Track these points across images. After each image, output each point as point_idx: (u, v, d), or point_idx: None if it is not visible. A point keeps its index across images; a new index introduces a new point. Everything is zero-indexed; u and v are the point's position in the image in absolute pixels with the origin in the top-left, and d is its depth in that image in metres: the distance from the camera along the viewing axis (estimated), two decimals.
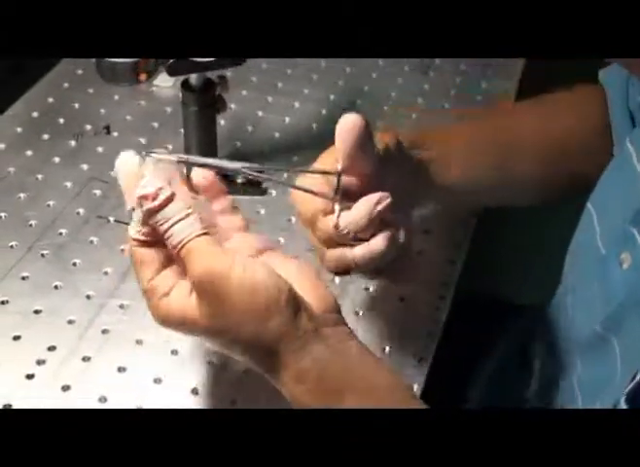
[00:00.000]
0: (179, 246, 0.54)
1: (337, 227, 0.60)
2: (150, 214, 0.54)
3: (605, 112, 0.74)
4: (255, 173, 0.60)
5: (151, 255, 0.55)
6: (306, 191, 0.60)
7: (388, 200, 0.59)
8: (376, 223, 0.60)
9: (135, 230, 0.55)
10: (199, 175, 0.59)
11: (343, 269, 0.62)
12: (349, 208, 0.60)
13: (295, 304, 0.53)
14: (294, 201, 0.62)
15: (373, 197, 0.59)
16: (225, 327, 0.53)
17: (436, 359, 0.71)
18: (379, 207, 0.59)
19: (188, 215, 0.54)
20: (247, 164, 0.60)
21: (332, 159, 0.61)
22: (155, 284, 0.55)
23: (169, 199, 0.54)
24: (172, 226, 0.54)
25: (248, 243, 0.59)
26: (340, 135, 0.59)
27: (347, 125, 0.58)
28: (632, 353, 0.56)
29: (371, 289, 0.77)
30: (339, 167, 0.60)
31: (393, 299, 0.76)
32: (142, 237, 0.55)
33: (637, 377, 0.52)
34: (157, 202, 0.53)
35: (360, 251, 0.60)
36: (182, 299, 0.54)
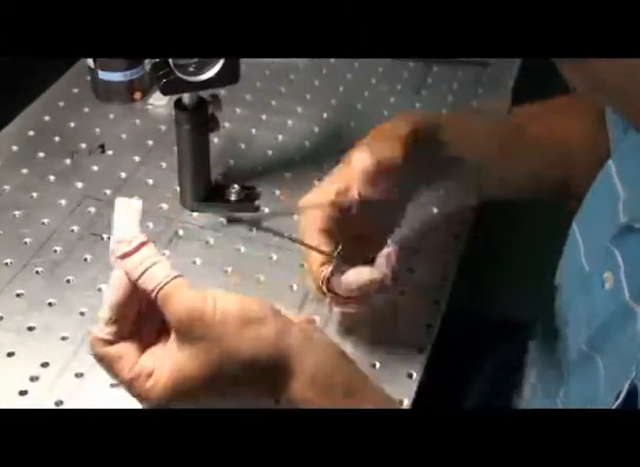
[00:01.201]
0: (156, 290, 0.53)
1: (326, 284, 0.67)
2: (124, 257, 0.54)
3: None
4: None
5: (124, 347, 0.55)
6: (312, 248, 0.67)
7: (379, 278, 0.66)
8: (363, 296, 0.68)
9: (104, 330, 0.55)
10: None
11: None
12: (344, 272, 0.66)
13: (278, 312, 0.55)
14: (300, 221, 0.69)
15: (366, 272, 0.66)
16: (221, 358, 0.53)
17: (426, 375, 0.72)
18: (371, 285, 0.66)
19: (160, 260, 0.54)
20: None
21: (332, 187, 0.68)
22: (136, 371, 0.54)
23: (143, 244, 0.54)
24: (146, 270, 0.54)
25: None
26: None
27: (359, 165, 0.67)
28: (615, 373, 0.56)
29: None
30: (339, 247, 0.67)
31: (384, 315, 0.77)
32: (111, 337, 0.54)
33: (620, 398, 0.53)
34: (132, 247, 0.54)
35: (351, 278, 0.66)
36: (169, 363, 0.53)
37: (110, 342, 0.54)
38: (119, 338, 0.55)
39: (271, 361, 0.54)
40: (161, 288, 0.53)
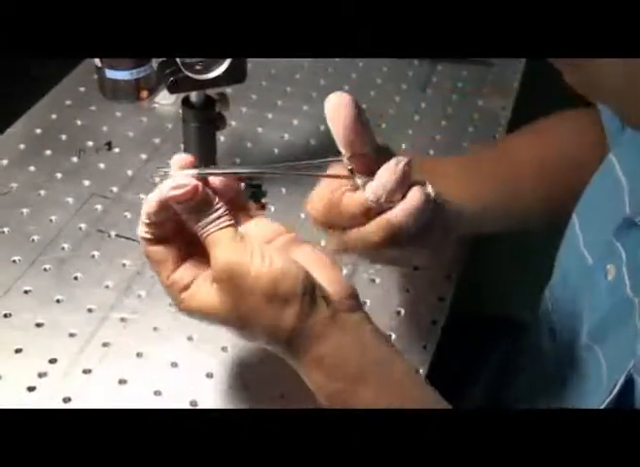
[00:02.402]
0: (204, 236, 0.56)
1: (368, 198, 0.58)
2: (180, 203, 0.55)
3: (601, 129, 0.75)
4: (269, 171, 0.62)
5: (164, 253, 0.57)
6: (327, 176, 0.60)
7: (407, 159, 0.57)
8: (403, 184, 0.58)
9: (142, 229, 0.57)
10: (217, 181, 0.59)
11: (388, 239, 0.59)
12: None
13: (311, 290, 0.55)
14: (308, 200, 0.61)
15: (391, 161, 0.57)
16: (245, 316, 0.55)
17: (430, 372, 0.72)
18: (401, 166, 0.57)
19: (216, 209, 0.56)
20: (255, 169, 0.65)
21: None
22: (172, 280, 0.57)
23: (198, 191, 0.55)
24: (201, 217, 0.56)
25: (263, 229, 0.60)
26: (332, 116, 0.58)
27: (336, 103, 0.58)
28: (614, 365, 0.56)
29: (368, 303, 0.78)
30: (343, 151, 0.59)
31: (389, 312, 0.78)
32: (149, 236, 0.57)
33: (616, 389, 0.53)
34: (186, 190, 0.55)
35: (400, 211, 0.58)
36: (202, 291, 0.56)
37: (151, 242, 0.57)
38: (157, 240, 0.57)
39: (286, 339, 0.55)
40: (208, 235, 0.55)
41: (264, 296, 0.54)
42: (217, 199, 0.56)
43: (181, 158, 0.56)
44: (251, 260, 0.54)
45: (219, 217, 0.56)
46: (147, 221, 0.57)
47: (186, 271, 0.57)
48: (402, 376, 0.57)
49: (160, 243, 0.57)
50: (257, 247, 0.55)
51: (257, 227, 0.60)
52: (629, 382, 0.54)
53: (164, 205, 0.56)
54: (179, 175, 0.56)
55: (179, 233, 0.58)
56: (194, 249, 0.58)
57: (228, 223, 0.56)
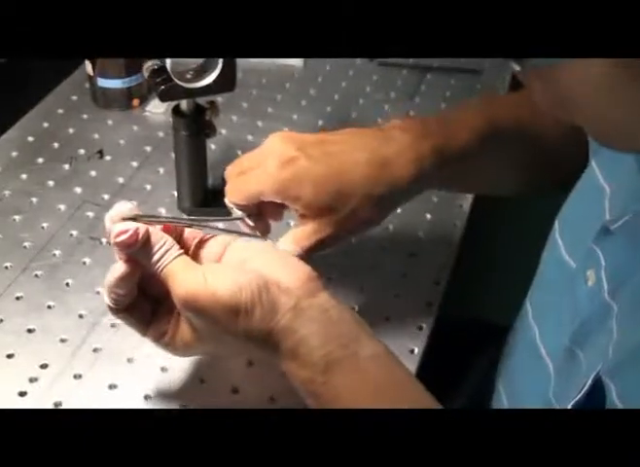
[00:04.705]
0: (159, 272, 0.59)
1: None
2: (127, 247, 0.59)
3: None
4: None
5: (132, 318, 0.63)
6: (238, 233, 0.68)
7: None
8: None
9: (107, 301, 0.62)
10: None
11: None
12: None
13: (267, 291, 0.58)
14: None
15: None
16: (222, 335, 0.59)
17: (417, 377, 0.73)
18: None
19: (163, 244, 0.60)
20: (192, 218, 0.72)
21: None
22: (150, 335, 0.63)
23: (139, 232, 0.59)
24: (152, 255, 0.59)
25: (212, 247, 0.64)
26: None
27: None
28: (590, 368, 0.57)
29: (356, 308, 0.78)
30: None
31: (378, 317, 0.78)
32: (114, 305, 0.62)
33: (583, 391, 0.54)
34: (129, 234, 0.59)
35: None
36: (179, 330, 0.61)
37: (118, 311, 0.62)
38: (124, 308, 0.62)
39: (262, 343, 0.58)
40: (164, 267, 0.59)
41: (230, 312, 0.57)
42: (161, 234, 0.60)
43: (119, 208, 0.60)
44: (205, 283, 0.57)
45: (167, 250, 0.59)
46: (111, 295, 0.61)
47: (159, 322, 0.62)
48: (369, 358, 0.59)
49: (127, 310, 0.62)
50: (208, 269, 0.59)
51: (206, 248, 0.64)
52: (598, 384, 0.54)
53: (123, 277, 0.60)
54: (119, 225, 0.60)
55: (142, 294, 0.62)
56: (161, 296, 0.62)
57: (176, 253, 0.60)
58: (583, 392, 0.54)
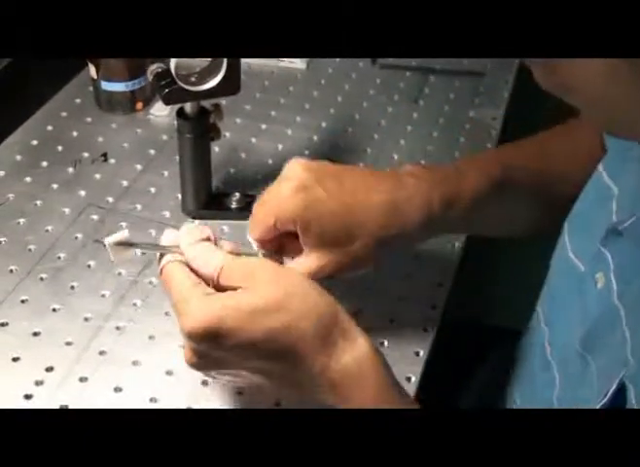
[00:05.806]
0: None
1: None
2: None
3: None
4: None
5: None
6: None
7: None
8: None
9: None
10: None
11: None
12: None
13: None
14: None
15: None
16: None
17: (423, 380, 0.73)
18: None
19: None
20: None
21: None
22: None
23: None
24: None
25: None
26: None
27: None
28: (605, 372, 0.57)
29: (362, 310, 0.78)
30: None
31: (383, 320, 0.78)
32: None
33: (607, 396, 0.54)
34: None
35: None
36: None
37: None
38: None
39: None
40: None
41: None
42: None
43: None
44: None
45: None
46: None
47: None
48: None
49: None
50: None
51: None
52: (621, 390, 0.54)
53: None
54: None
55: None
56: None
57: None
58: (607, 399, 0.54)
